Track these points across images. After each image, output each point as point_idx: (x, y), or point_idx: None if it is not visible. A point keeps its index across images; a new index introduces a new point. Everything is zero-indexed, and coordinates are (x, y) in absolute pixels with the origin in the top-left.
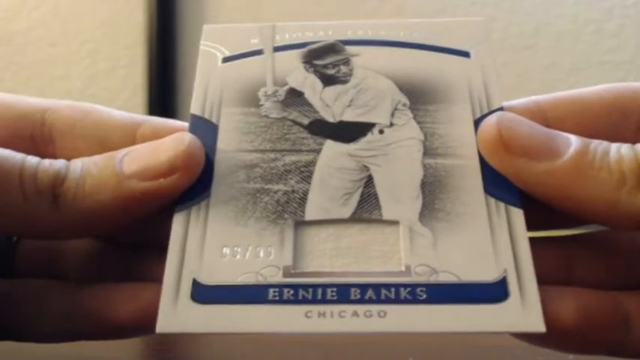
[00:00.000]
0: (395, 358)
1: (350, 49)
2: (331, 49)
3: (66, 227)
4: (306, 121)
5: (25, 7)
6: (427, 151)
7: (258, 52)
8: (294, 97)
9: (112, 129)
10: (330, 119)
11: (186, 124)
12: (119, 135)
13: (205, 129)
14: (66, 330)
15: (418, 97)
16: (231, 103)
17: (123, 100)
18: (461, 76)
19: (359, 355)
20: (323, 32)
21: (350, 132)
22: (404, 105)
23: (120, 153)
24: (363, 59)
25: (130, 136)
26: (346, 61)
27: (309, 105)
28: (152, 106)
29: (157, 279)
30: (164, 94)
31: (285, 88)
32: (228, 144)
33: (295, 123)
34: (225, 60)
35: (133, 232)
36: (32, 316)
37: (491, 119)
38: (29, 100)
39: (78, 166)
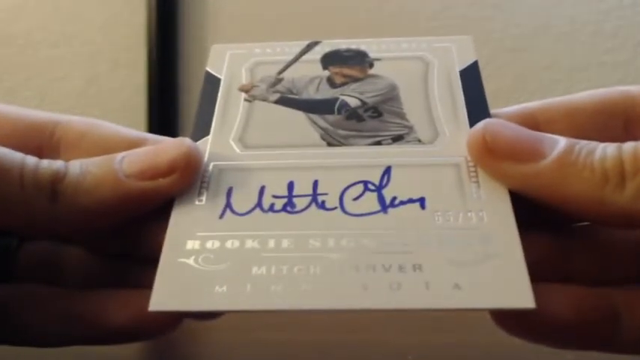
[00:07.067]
0: (394, 357)
1: None
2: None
3: (64, 223)
4: None
5: (25, 8)
6: None
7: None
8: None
9: (117, 143)
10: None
11: None
12: (124, 149)
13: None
14: (62, 335)
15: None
16: None
17: (123, 100)
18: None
19: (358, 355)
20: None
21: None
22: None
23: (119, 155)
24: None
25: None
26: None
27: None
28: (152, 106)
29: (148, 287)
30: (164, 94)
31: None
32: None
33: None
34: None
35: (123, 243)
36: (29, 321)
37: (478, 126)
38: (42, 113)
39: (77, 165)
